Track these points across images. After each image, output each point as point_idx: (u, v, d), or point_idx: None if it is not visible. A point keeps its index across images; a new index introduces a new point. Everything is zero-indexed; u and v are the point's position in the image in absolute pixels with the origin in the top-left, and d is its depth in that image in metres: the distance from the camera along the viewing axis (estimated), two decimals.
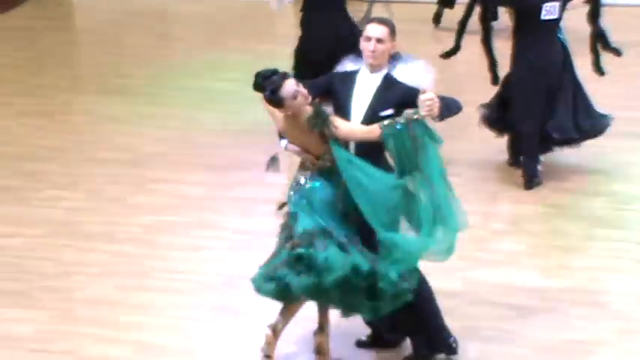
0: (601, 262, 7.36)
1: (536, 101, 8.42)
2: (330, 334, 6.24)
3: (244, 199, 8.38)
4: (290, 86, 5.79)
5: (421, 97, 5.67)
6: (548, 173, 8.59)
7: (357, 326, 6.26)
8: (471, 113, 8.91)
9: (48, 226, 7.91)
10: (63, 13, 14.07)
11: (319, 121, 5.78)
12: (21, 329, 6.58)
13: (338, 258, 5.79)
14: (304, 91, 5.81)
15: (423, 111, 5.66)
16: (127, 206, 8.25)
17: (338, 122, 5.81)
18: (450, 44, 8.98)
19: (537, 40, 8.38)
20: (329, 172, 5.90)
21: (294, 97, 5.79)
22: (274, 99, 5.82)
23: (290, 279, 5.82)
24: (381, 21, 5.98)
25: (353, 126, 5.85)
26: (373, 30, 5.90)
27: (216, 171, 8.86)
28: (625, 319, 6.64)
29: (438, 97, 5.71)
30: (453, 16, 11.15)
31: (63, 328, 6.59)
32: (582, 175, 8.73)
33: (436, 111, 5.67)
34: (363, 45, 5.92)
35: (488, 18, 8.70)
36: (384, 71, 5.94)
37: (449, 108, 5.80)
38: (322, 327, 6.21)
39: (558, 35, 8.50)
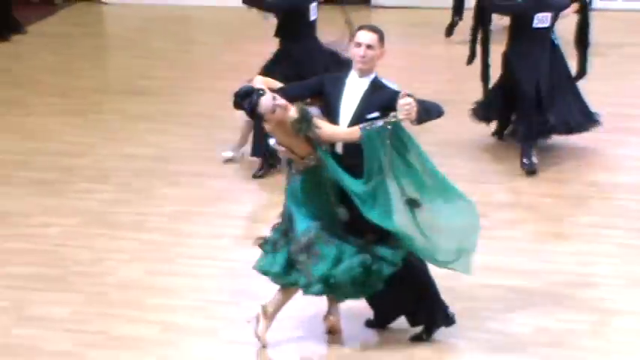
0: (590, 247, 7.34)
1: (532, 100, 8.42)
2: (341, 314, 6.24)
3: (262, 190, 8.38)
4: (267, 102, 5.67)
5: (400, 102, 5.60)
6: (542, 164, 8.57)
7: (366, 307, 6.25)
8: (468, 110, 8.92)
9: (82, 216, 7.92)
10: (94, 20, 14.10)
11: (304, 125, 5.67)
12: (58, 311, 6.58)
13: (348, 259, 5.77)
14: (282, 102, 5.68)
15: (401, 115, 5.60)
16: (154, 198, 8.25)
17: (321, 124, 5.73)
18: (456, 49, 8.94)
19: (530, 47, 8.37)
20: (313, 171, 5.83)
21: (273, 112, 5.69)
22: (254, 116, 5.76)
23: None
24: (371, 28, 5.92)
25: (335, 128, 5.77)
26: (364, 36, 5.84)
27: (236, 165, 8.85)
28: (613, 300, 6.61)
29: (419, 101, 5.64)
30: (463, 26, 11.10)
31: (96, 310, 6.60)
32: (573, 166, 8.71)
33: (414, 115, 5.59)
34: (354, 51, 5.85)
35: (487, 30, 8.67)
36: (372, 76, 5.88)
37: (428, 112, 5.72)
38: (331, 310, 6.20)
39: (552, 39, 8.48)
